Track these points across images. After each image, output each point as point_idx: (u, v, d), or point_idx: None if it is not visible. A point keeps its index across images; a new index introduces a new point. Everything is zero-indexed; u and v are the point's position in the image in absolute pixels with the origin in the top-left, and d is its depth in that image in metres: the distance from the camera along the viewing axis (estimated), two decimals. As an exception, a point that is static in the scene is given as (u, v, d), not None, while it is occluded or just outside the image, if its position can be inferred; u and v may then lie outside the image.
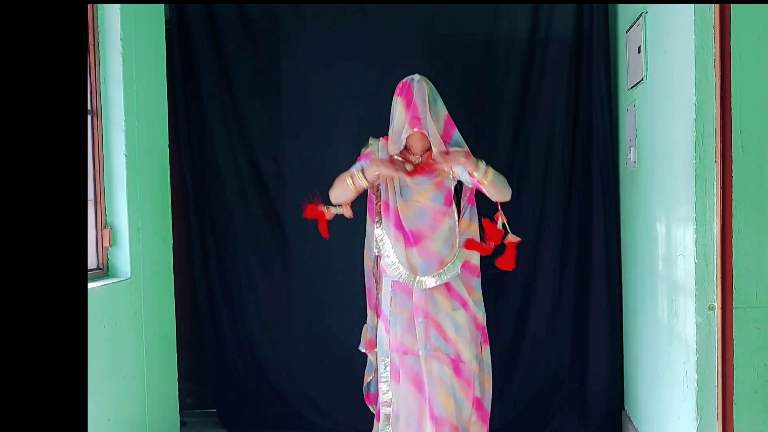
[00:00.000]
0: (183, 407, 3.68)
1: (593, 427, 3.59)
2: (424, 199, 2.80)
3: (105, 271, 3.09)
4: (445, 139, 2.80)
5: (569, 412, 3.65)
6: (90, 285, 2.82)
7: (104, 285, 2.90)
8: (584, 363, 3.66)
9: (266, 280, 3.79)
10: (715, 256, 2.38)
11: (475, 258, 2.87)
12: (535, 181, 3.68)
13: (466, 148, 2.82)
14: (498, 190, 2.74)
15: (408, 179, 2.79)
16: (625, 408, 3.58)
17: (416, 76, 2.80)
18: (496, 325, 3.71)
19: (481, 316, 2.89)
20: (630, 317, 3.46)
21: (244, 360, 3.77)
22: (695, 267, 2.42)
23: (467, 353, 2.81)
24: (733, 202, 2.36)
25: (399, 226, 2.80)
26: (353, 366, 3.57)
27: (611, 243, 3.56)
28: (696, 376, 2.43)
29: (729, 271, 2.37)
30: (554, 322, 3.69)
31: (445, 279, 2.79)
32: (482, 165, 2.72)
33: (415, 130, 2.72)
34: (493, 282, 3.69)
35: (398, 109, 2.77)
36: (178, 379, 3.57)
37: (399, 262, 2.80)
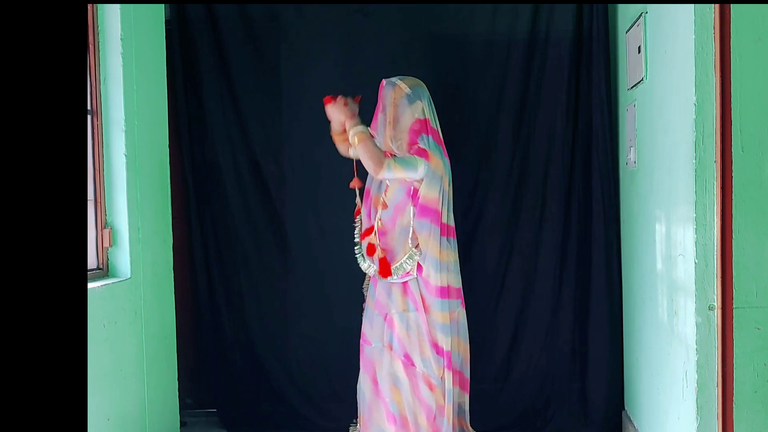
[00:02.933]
0: (183, 407, 3.68)
1: (593, 427, 3.59)
2: (390, 194, 2.86)
3: (105, 271, 3.09)
4: (410, 148, 2.81)
5: (569, 412, 3.65)
6: (90, 285, 2.82)
7: (104, 285, 2.90)
8: (584, 363, 3.66)
9: (267, 279, 3.80)
10: (715, 256, 2.38)
11: (432, 270, 2.77)
12: (535, 181, 3.68)
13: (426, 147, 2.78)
14: (364, 159, 2.74)
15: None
16: (625, 408, 3.58)
17: (393, 79, 2.88)
18: (497, 325, 3.72)
19: (441, 336, 2.80)
20: (630, 317, 3.46)
21: (245, 360, 3.77)
22: (695, 267, 2.42)
23: (417, 358, 2.80)
24: (733, 202, 2.36)
25: (370, 217, 2.92)
26: (353, 366, 3.58)
27: (611, 243, 3.57)
28: (696, 376, 2.43)
29: (729, 271, 2.37)
30: (554, 322, 3.69)
31: (399, 274, 2.80)
32: (358, 129, 2.74)
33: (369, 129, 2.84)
34: (494, 282, 3.70)
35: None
36: (178, 379, 3.57)
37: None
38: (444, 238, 2.82)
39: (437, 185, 2.78)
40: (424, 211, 2.78)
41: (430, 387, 2.81)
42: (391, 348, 2.83)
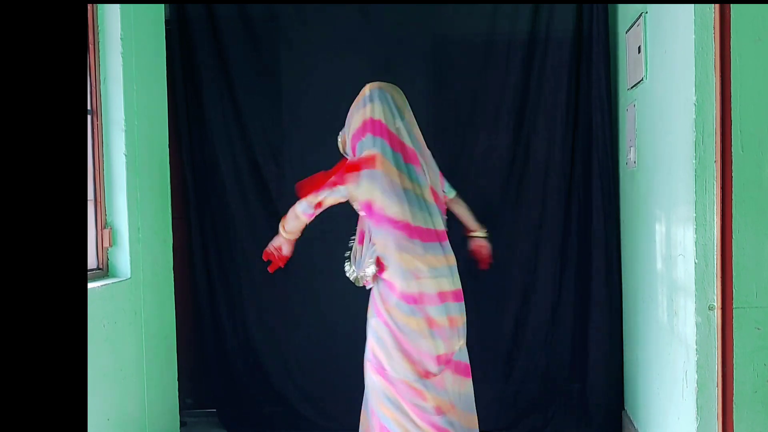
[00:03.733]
0: (183, 407, 3.68)
1: (593, 427, 3.59)
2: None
3: (105, 271, 3.09)
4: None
5: (569, 412, 3.65)
6: (90, 285, 2.82)
7: (104, 285, 2.90)
8: (584, 363, 3.66)
9: (267, 279, 3.77)
10: (715, 256, 2.38)
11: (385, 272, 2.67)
12: (535, 181, 3.68)
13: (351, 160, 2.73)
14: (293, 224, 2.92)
15: None
16: (625, 408, 3.58)
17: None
18: (497, 325, 3.72)
19: (412, 341, 2.66)
20: (630, 317, 3.46)
21: (244, 360, 3.77)
22: (695, 267, 2.42)
23: (387, 365, 2.66)
24: (733, 202, 2.36)
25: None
26: (353, 366, 3.57)
27: (611, 243, 3.57)
28: (696, 376, 2.43)
29: (729, 271, 2.37)
30: (554, 322, 3.69)
31: (360, 282, 2.77)
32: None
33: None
34: (494, 282, 3.70)
35: None
36: (178, 379, 3.57)
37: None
38: (411, 242, 2.59)
39: (378, 189, 2.59)
40: (379, 218, 2.62)
41: (416, 392, 2.65)
42: (368, 360, 2.73)
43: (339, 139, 2.89)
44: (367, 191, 2.61)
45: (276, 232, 3.75)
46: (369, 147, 2.64)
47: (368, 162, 2.62)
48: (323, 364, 3.74)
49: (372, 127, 2.67)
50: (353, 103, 2.80)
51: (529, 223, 3.68)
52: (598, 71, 3.56)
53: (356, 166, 2.64)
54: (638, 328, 3.29)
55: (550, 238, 3.67)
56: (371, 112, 2.69)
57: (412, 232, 2.61)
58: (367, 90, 2.76)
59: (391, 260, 2.62)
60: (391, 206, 2.60)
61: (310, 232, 3.73)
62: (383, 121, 2.67)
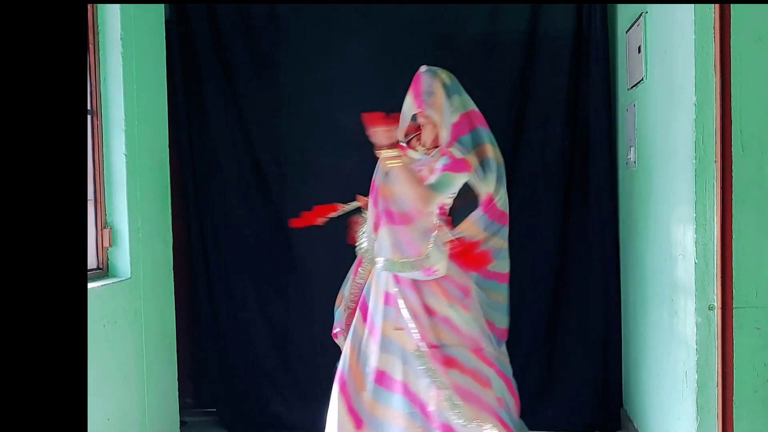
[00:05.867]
0: (183, 407, 3.68)
1: (593, 426, 3.59)
2: None
3: (105, 271, 3.09)
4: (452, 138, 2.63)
5: (569, 411, 3.65)
6: (90, 285, 2.81)
7: (104, 285, 2.90)
8: (584, 363, 3.66)
9: (267, 279, 3.79)
10: (715, 256, 2.38)
11: None
12: (534, 181, 3.68)
13: (462, 155, 2.59)
14: (405, 192, 2.51)
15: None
16: (625, 407, 3.58)
17: (423, 67, 2.71)
18: (496, 325, 3.73)
19: None
20: (630, 317, 3.46)
21: (244, 360, 3.77)
22: (695, 267, 2.42)
23: None
24: (733, 202, 2.36)
25: None
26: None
27: (610, 243, 3.57)
28: (696, 376, 2.43)
29: (729, 271, 2.37)
30: (554, 322, 3.69)
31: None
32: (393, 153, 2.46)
33: (419, 110, 2.61)
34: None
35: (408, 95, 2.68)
36: (178, 379, 3.57)
37: None
38: None
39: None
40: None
41: None
42: None
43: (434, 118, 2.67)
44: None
45: (276, 234, 3.76)
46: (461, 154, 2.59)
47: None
48: (323, 365, 3.73)
49: (469, 121, 2.66)
50: (424, 83, 2.62)
51: (527, 224, 3.68)
52: (597, 71, 3.56)
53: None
54: (638, 327, 3.29)
55: (549, 238, 3.66)
56: (462, 106, 2.67)
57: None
58: (447, 78, 2.66)
59: None
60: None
61: (311, 232, 3.75)
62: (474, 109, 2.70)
